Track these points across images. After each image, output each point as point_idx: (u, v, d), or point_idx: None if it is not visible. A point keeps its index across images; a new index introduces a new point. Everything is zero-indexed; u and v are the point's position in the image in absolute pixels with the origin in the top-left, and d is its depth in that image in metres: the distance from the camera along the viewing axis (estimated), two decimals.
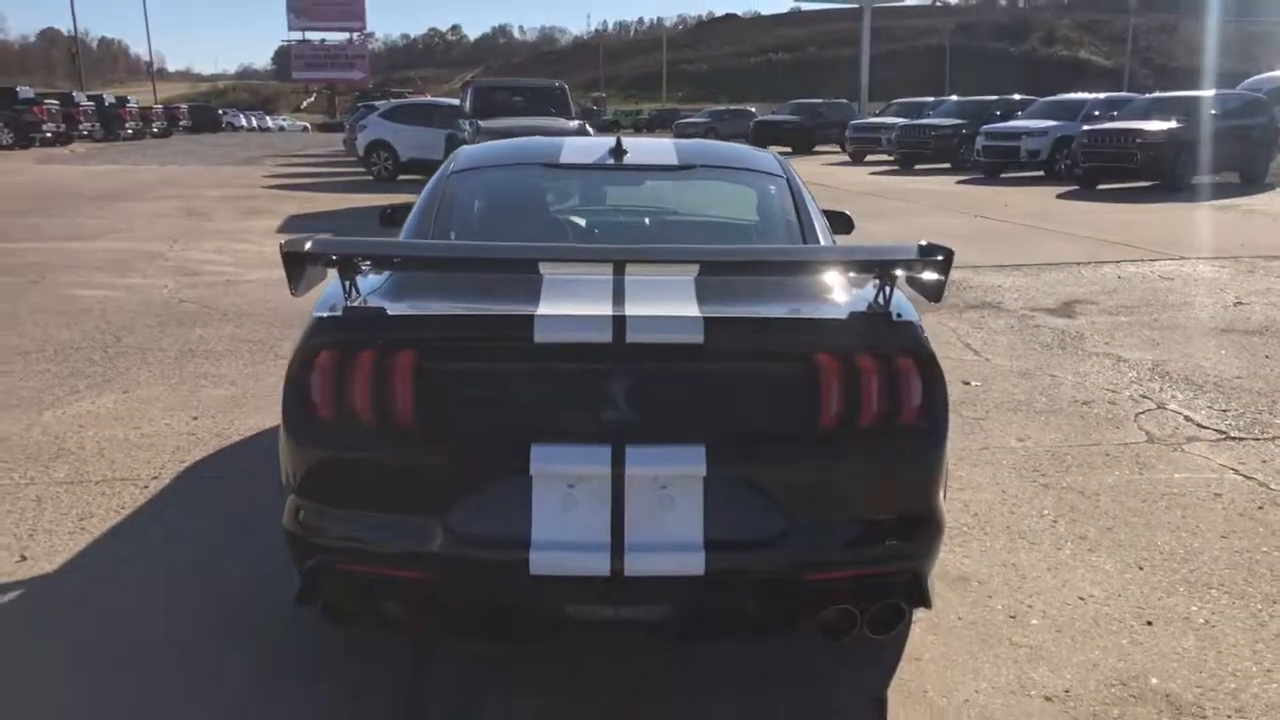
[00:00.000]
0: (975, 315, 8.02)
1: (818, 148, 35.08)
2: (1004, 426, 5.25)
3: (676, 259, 2.89)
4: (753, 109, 43.68)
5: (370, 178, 21.33)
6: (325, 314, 2.66)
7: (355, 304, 2.65)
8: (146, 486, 4.30)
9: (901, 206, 16.53)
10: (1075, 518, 4.09)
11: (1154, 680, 2.93)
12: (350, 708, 2.78)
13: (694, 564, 2.48)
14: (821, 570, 2.60)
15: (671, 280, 2.84)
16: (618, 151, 3.85)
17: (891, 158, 27.83)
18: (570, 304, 2.65)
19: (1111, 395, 5.83)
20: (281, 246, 2.58)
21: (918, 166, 26.26)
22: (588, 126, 15.60)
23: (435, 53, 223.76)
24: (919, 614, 3.16)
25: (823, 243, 3.54)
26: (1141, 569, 3.64)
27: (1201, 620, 3.27)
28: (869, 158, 29.80)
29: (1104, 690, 2.88)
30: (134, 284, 8.98)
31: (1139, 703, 2.83)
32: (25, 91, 35.46)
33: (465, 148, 4.24)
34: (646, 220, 4.09)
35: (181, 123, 51.37)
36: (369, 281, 2.91)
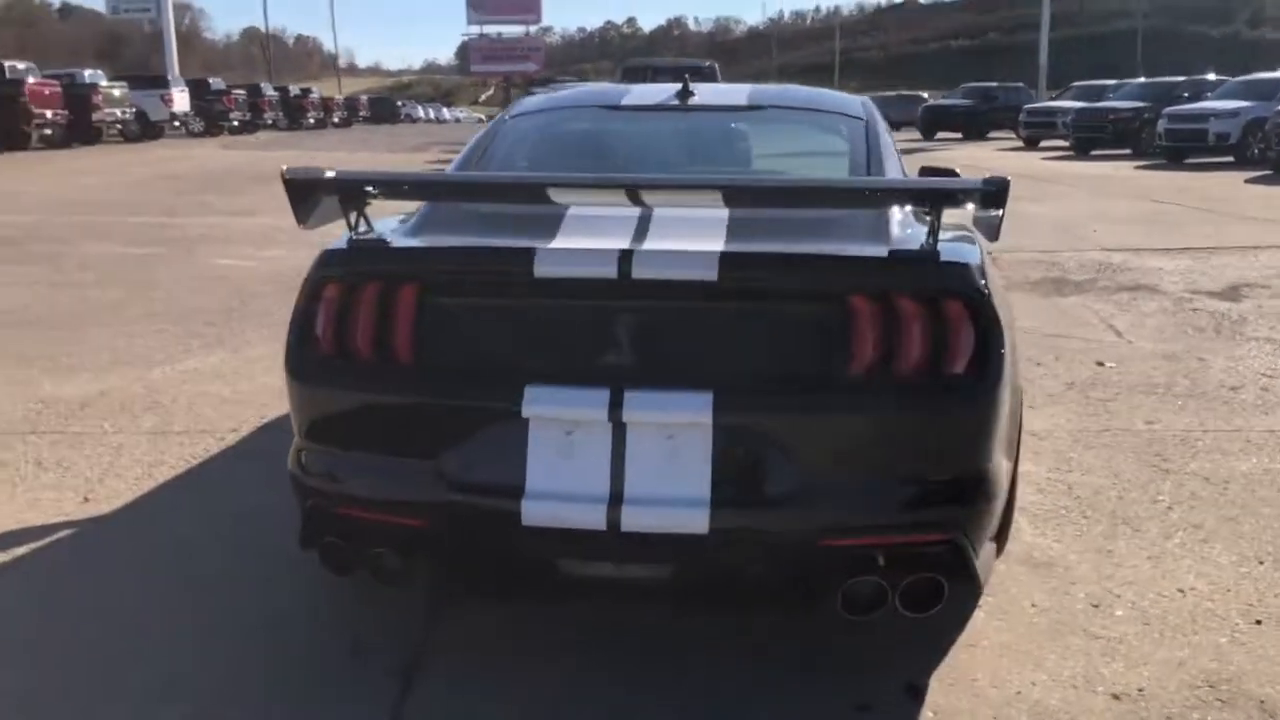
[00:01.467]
0: (1126, 297, 7.42)
1: (991, 134, 33.67)
2: (1132, 409, 4.78)
3: (693, 185, 2.66)
4: (925, 95, 42.28)
5: None
6: (332, 246, 2.56)
7: (362, 236, 2.53)
8: (223, 439, 4.34)
9: (1066, 190, 15.62)
10: (1194, 505, 3.65)
11: (1250, 685, 2.53)
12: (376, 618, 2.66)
13: (697, 521, 2.26)
14: (843, 535, 2.32)
15: (702, 216, 2.62)
16: (684, 93, 3.64)
17: (1067, 143, 26.44)
18: (582, 238, 2.47)
19: (1266, 381, 5.25)
20: (283, 173, 2.48)
21: (1094, 152, 24.82)
22: None
23: (610, 46, 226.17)
24: (984, 597, 2.84)
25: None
26: (1262, 563, 3.20)
27: None
28: (1044, 143, 28.39)
29: (1185, 692, 2.50)
30: (273, 255, 9.24)
31: (1226, 708, 2.44)
32: (217, 83, 37.44)
33: (528, 96, 4.11)
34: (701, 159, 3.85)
35: (361, 113, 53.46)
36: (392, 221, 2.81)
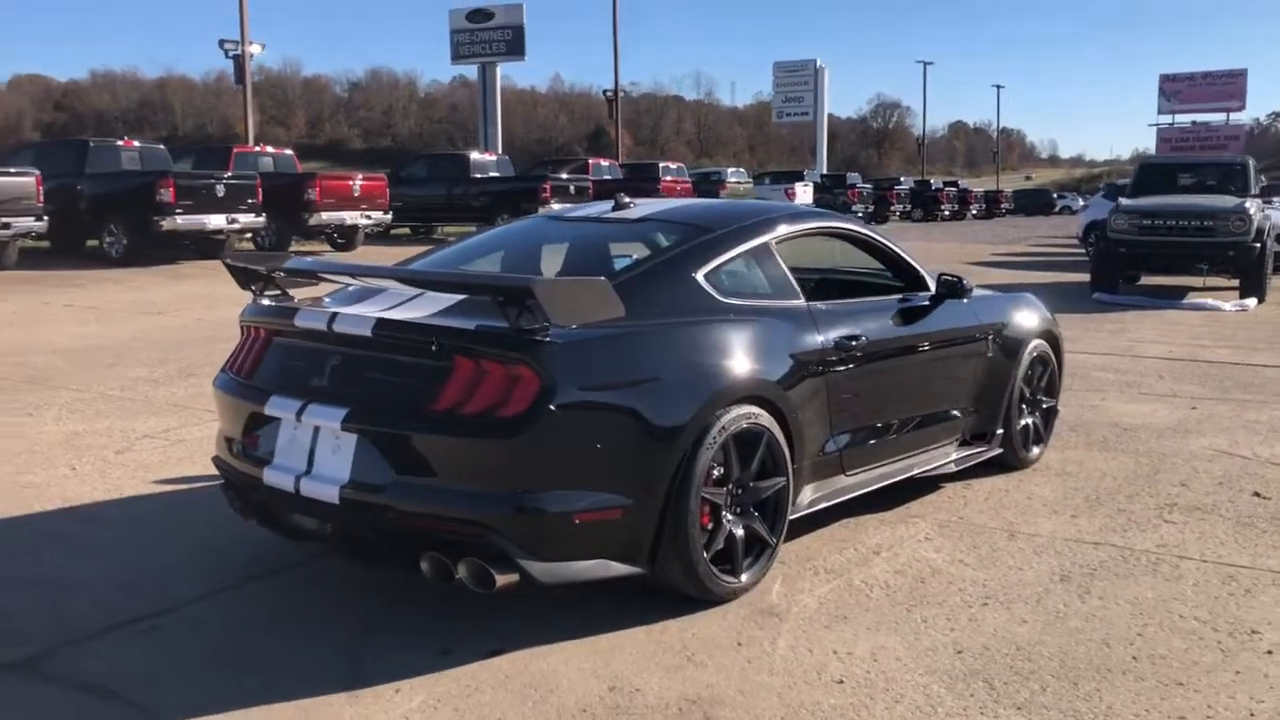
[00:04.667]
0: None
1: None
2: None
3: (391, 275, 3.76)
4: None
5: (1085, 258, 20.76)
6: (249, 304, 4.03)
7: (257, 300, 3.96)
8: None
9: None
10: None
11: None
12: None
13: (331, 494, 3.36)
14: (416, 519, 3.25)
15: (409, 293, 3.67)
16: (616, 207, 4.66)
17: None
18: (347, 304, 3.74)
19: None
20: (223, 259, 4.04)
21: None
22: (1248, 205, 13.61)
23: None
24: None
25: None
26: None
27: None
28: None
29: None
30: None
31: None
32: (853, 178, 40.50)
33: None
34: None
35: (1003, 205, 53.57)
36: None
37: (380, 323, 3.42)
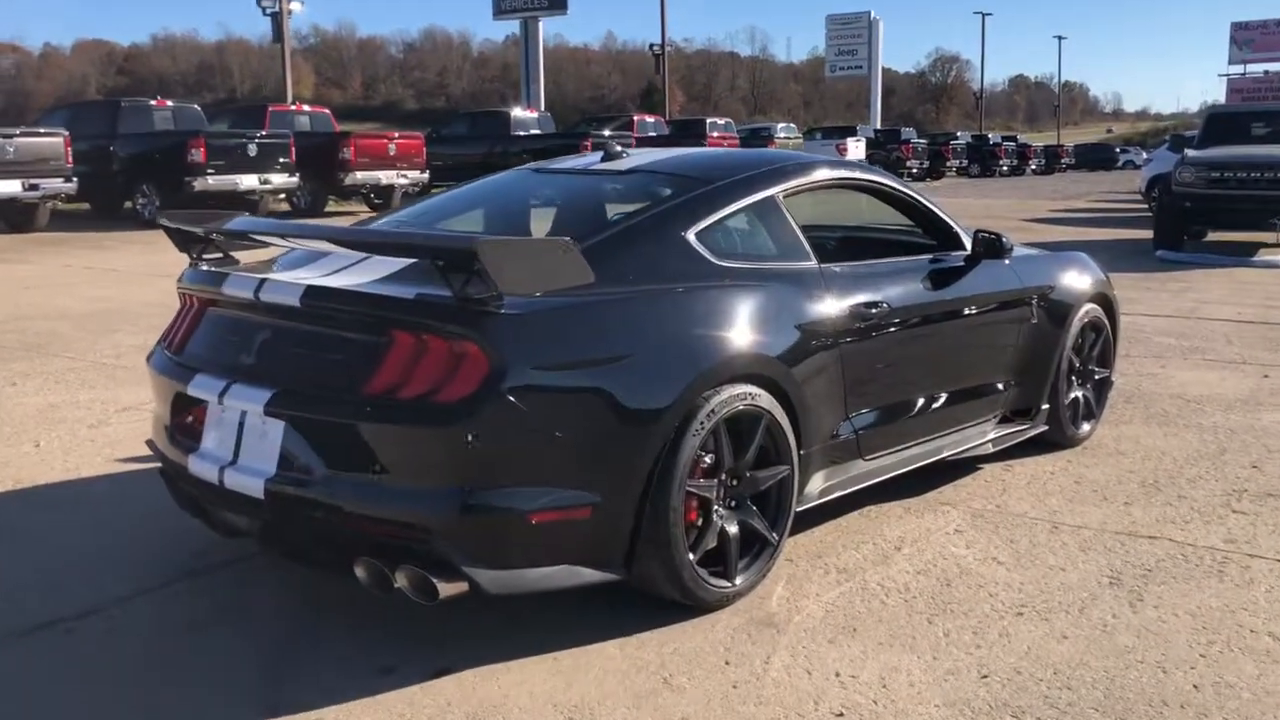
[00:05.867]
0: None
1: None
2: None
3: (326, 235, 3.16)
4: None
5: (1148, 213, 19.82)
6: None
7: (193, 266, 3.48)
8: None
9: None
10: None
11: None
12: None
13: (256, 488, 2.90)
14: (341, 519, 2.81)
15: (350, 257, 3.16)
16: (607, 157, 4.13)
17: None
18: (287, 270, 3.25)
19: None
20: (158, 218, 3.59)
21: None
22: None
23: None
24: None
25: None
26: None
27: None
28: None
29: None
30: None
31: None
32: (908, 133, 39.41)
33: None
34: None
35: (1064, 161, 51.92)
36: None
37: (310, 291, 2.95)
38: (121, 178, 17.23)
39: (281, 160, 17.51)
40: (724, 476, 3.22)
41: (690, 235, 3.38)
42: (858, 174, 4.30)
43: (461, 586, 2.77)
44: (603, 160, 4.10)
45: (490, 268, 2.65)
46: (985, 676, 2.84)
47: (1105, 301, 5.05)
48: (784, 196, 3.76)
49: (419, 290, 2.83)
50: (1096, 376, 5.06)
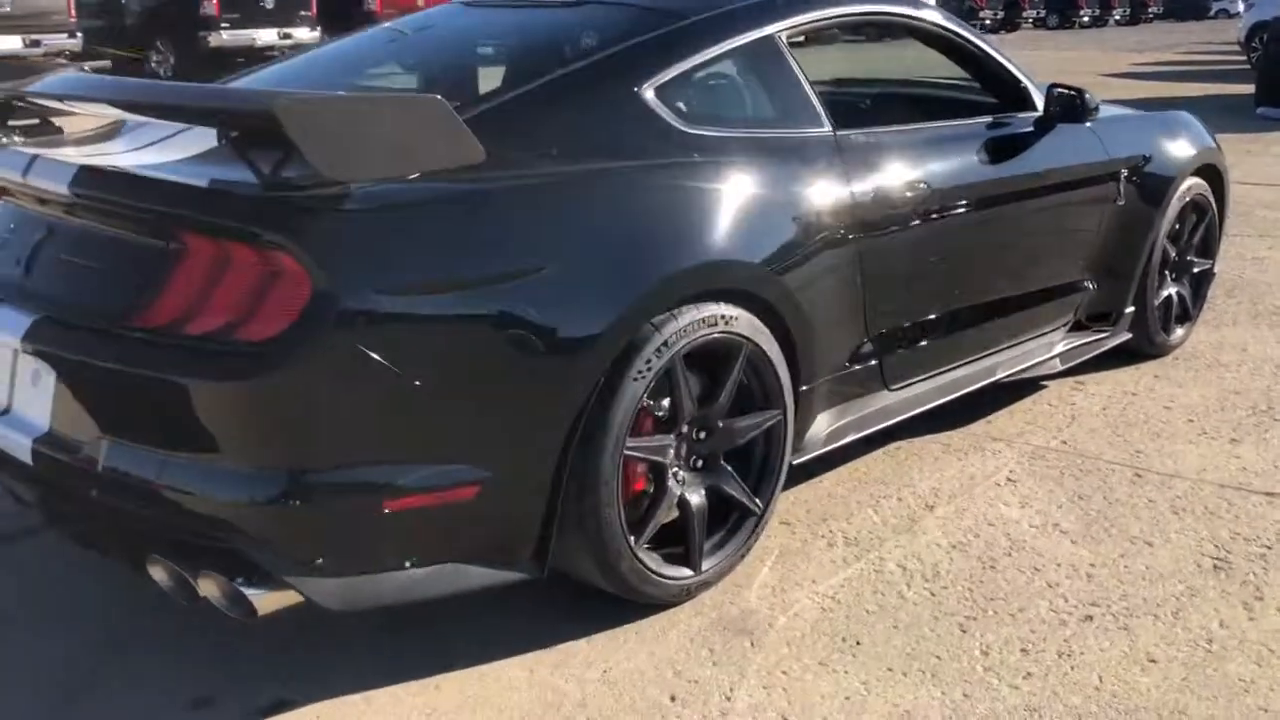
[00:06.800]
0: None
1: None
2: None
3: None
4: None
5: (1248, 66, 18.08)
6: None
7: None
8: None
9: None
10: None
11: None
12: None
13: (24, 448, 2.08)
14: (121, 503, 1.99)
15: (182, 127, 2.23)
16: None
17: None
18: (90, 144, 2.43)
19: None
20: None
21: None
22: None
23: None
24: None
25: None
26: None
27: None
28: None
29: None
30: None
31: None
32: None
33: None
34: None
35: (1151, 10, 48.52)
36: None
37: (82, 173, 2.08)
38: (134, 33, 16.23)
39: (302, 13, 16.37)
40: (685, 429, 2.35)
41: (647, 91, 2.43)
42: (890, 6, 3.23)
43: (295, 596, 1.97)
44: None
45: (301, 140, 1.77)
46: None
47: (1213, 174, 4.00)
48: (787, 36, 2.76)
49: (216, 175, 1.96)
50: (1196, 269, 4.06)
